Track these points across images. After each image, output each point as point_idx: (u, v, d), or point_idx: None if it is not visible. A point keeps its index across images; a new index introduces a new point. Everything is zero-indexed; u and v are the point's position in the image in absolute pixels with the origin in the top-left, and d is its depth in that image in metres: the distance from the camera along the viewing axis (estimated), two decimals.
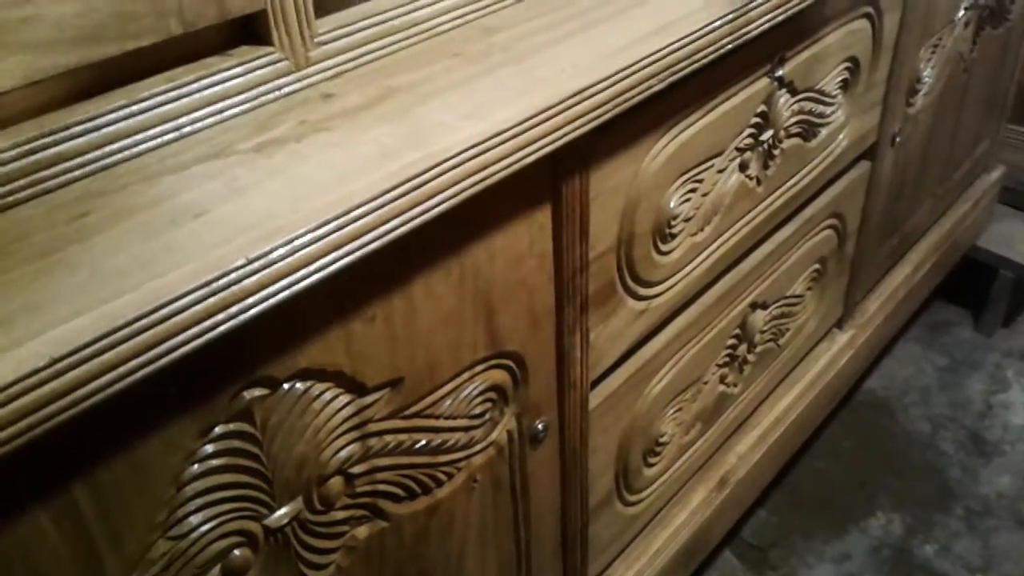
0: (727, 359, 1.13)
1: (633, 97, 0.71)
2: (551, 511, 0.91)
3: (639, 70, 0.70)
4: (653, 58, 0.71)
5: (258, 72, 0.63)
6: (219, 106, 0.62)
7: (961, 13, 1.35)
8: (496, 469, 0.80)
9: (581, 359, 0.84)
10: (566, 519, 0.93)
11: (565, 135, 0.66)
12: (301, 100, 0.65)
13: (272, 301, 0.50)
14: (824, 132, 1.10)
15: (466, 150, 0.59)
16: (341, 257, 0.53)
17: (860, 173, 1.25)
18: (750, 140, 0.97)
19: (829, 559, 1.50)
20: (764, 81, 0.95)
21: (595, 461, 0.93)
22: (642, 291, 0.89)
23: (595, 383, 0.89)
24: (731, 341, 1.12)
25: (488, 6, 0.78)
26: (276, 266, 0.50)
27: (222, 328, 0.49)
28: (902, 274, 1.57)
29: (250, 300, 0.49)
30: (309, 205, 0.53)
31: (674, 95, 0.80)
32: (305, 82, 0.67)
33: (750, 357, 1.18)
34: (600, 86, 0.67)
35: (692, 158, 0.88)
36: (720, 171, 0.94)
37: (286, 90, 0.66)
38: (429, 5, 0.74)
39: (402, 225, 0.56)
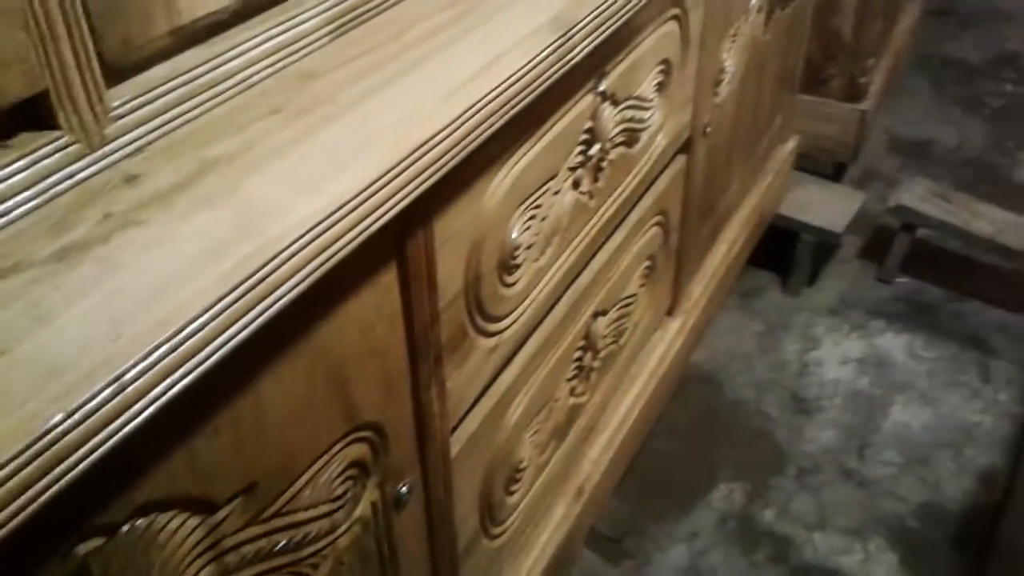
0: (575, 371, 1.12)
1: (476, 139, 0.66)
2: (421, 567, 0.86)
3: (479, 110, 0.66)
4: (491, 95, 0.67)
5: (45, 161, 0.54)
6: (2, 208, 0.52)
7: (755, 1, 1.39)
8: (363, 544, 0.75)
9: (439, 411, 0.79)
10: (436, 570, 0.89)
11: (410, 193, 0.61)
12: (101, 187, 0.57)
13: (101, 451, 0.43)
14: (645, 136, 1.10)
15: (306, 233, 0.53)
16: (177, 381, 0.46)
17: (678, 168, 1.27)
18: (580, 157, 0.95)
19: (680, 539, 1.54)
20: (589, 98, 0.93)
21: (461, 507, 0.89)
22: (492, 327, 0.86)
23: (454, 428, 0.85)
24: (577, 354, 1.11)
25: (301, 48, 0.71)
26: (101, 412, 0.43)
27: (45, 496, 0.41)
28: (720, 253, 1.62)
29: (74, 457, 0.42)
30: (132, 328, 0.46)
31: (509, 127, 0.76)
32: (103, 163, 0.58)
33: (595, 364, 1.17)
34: (442, 135, 0.63)
35: (529, 186, 0.85)
36: (555, 193, 0.92)
37: (81, 176, 0.57)
38: (237, 55, 0.66)
39: (243, 330, 0.50)
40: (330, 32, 0.73)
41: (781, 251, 2.04)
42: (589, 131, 0.95)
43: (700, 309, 1.53)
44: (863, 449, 1.70)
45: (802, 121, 2.01)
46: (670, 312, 1.45)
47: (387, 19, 0.77)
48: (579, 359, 1.12)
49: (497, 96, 0.68)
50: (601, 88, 0.94)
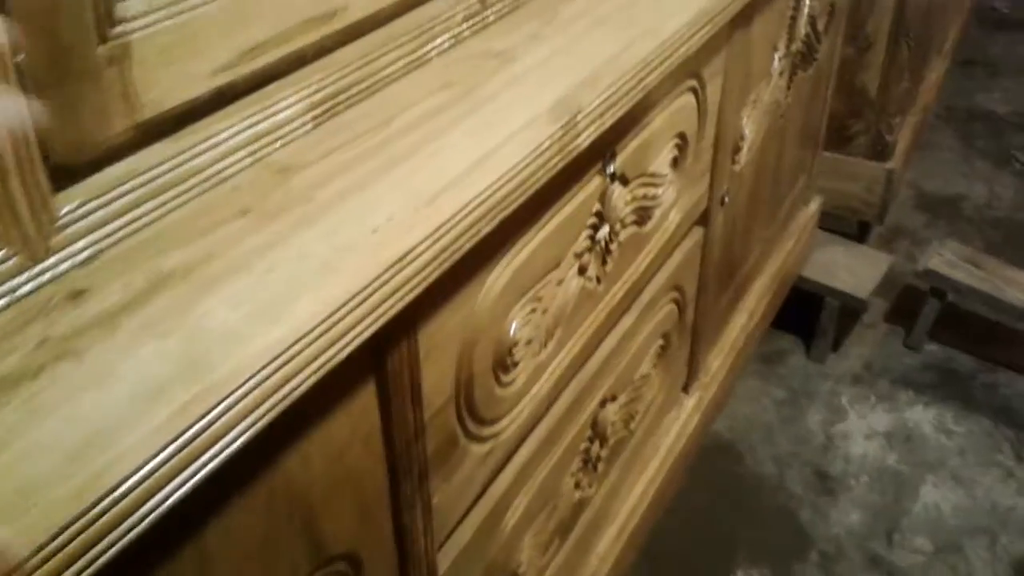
0: (582, 464, 1.04)
1: (462, 247, 0.60)
2: None
3: (467, 214, 0.60)
4: (482, 197, 0.61)
5: None
6: None
7: (776, 64, 1.33)
8: None
9: (424, 529, 0.73)
10: None
11: (387, 311, 0.55)
12: (43, 304, 0.51)
13: None
14: (658, 213, 1.04)
15: (262, 369, 0.47)
16: (93, 560, 0.40)
17: (694, 240, 1.20)
18: (587, 242, 0.89)
19: None
20: (597, 180, 0.87)
21: None
22: (486, 431, 0.79)
23: (442, 544, 0.78)
24: (584, 445, 1.03)
25: (280, 137, 0.65)
26: None
27: None
28: (739, 323, 1.55)
29: None
30: (47, 496, 0.39)
31: (505, 224, 0.70)
32: (48, 276, 0.52)
33: (603, 453, 1.10)
34: (425, 244, 0.56)
35: (529, 280, 0.79)
36: (560, 283, 0.85)
37: (21, 292, 0.51)
38: (208, 149, 0.61)
39: (181, 486, 0.43)
40: (313, 119, 0.68)
41: (805, 314, 1.96)
42: (597, 215, 0.89)
43: (718, 383, 1.46)
44: (891, 534, 1.60)
45: (826, 179, 1.94)
46: (686, 388, 1.38)
47: (376, 103, 0.72)
48: (586, 450, 1.04)
49: (488, 197, 0.61)
50: (610, 170, 0.87)
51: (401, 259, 0.55)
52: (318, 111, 0.68)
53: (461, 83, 0.75)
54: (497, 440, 0.81)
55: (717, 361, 1.46)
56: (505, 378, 0.80)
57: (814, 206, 1.86)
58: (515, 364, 0.81)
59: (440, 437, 0.72)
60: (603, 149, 0.85)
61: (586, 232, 0.88)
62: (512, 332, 0.78)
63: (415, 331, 0.64)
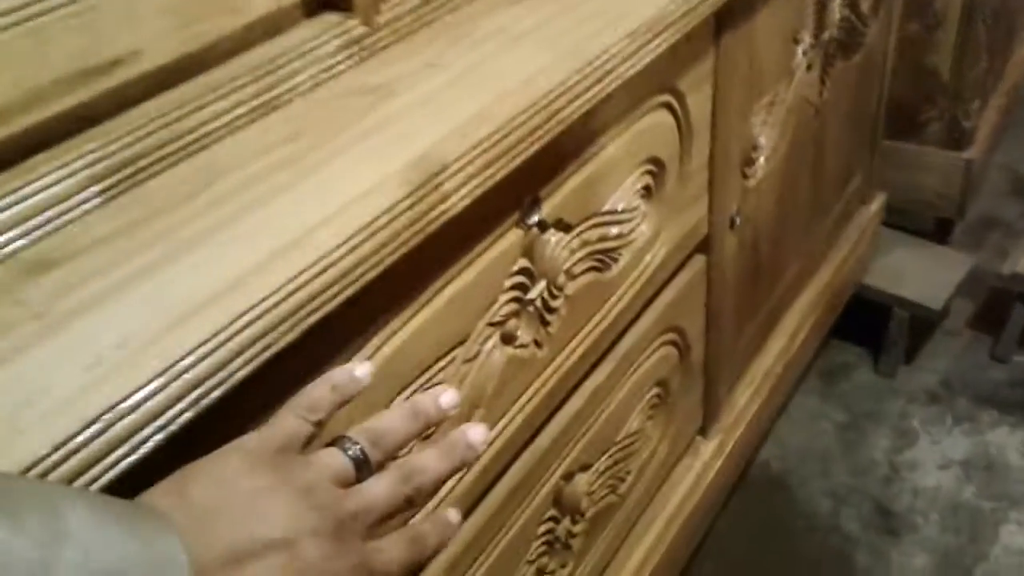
0: (544, 548, 0.90)
1: (222, 381, 0.45)
2: None
3: (231, 336, 0.46)
4: (263, 306, 0.47)
5: None
6: None
7: (800, 58, 1.13)
8: None
9: None
10: None
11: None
12: None
13: None
14: (627, 253, 0.87)
15: None
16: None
17: (694, 273, 1.03)
18: (513, 305, 0.73)
19: None
20: (515, 233, 0.71)
21: None
22: None
23: None
24: (544, 528, 0.89)
25: (52, 219, 0.53)
26: None
27: None
28: (776, 348, 1.36)
29: None
30: None
31: (343, 317, 0.56)
32: None
33: (577, 528, 0.95)
34: (153, 386, 0.43)
35: (412, 368, 0.64)
36: (469, 360, 0.70)
37: None
38: None
39: None
40: (101, 192, 0.55)
41: (871, 325, 1.74)
42: (523, 272, 0.73)
43: (748, 421, 1.28)
44: None
45: (896, 171, 1.71)
46: (703, 432, 1.21)
47: (200, 163, 0.58)
48: (548, 531, 0.89)
49: (277, 304, 0.47)
50: (533, 219, 0.72)
51: (114, 411, 0.41)
52: (108, 182, 0.55)
53: (312, 132, 0.61)
54: None
55: (745, 396, 1.28)
56: None
57: (876, 204, 1.63)
58: None
59: None
60: (518, 195, 0.70)
61: (508, 295, 0.72)
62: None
63: None
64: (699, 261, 1.04)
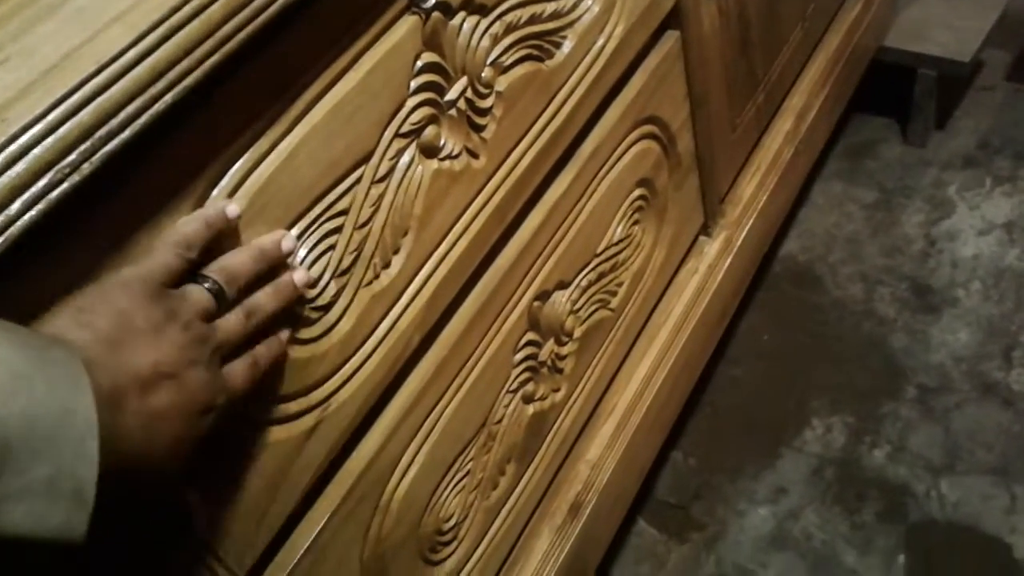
0: (527, 375, 0.82)
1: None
2: None
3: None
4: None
5: None
6: None
7: None
8: None
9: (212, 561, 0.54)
10: None
11: None
12: None
13: None
14: (572, 37, 0.75)
15: None
16: None
17: (666, 53, 0.90)
18: (427, 110, 0.63)
19: (763, 499, 1.24)
20: (410, 20, 0.60)
21: None
22: (295, 406, 0.58)
23: (265, 561, 0.59)
24: (523, 354, 0.81)
25: None
26: None
27: None
28: (783, 130, 1.23)
29: None
30: None
31: (173, 141, 0.46)
32: None
33: (565, 350, 0.87)
34: None
35: (300, 196, 0.55)
36: (380, 179, 0.61)
37: None
38: None
39: None
40: None
41: (896, 92, 1.59)
42: (433, 68, 0.62)
43: (758, 211, 1.17)
44: (1010, 352, 1.31)
45: None
46: (706, 230, 1.11)
47: None
48: (530, 357, 0.82)
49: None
50: (430, 1, 0.60)
51: None
52: None
53: None
54: (326, 408, 0.60)
55: (751, 186, 1.17)
56: (307, 332, 0.58)
57: None
58: (321, 309, 0.59)
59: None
60: None
61: (416, 99, 0.62)
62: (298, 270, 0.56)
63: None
64: (671, 38, 0.91)
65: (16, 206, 0.39)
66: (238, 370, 0.48)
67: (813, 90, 1.28)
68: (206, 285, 0.47)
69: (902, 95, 1.57)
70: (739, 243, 1.14)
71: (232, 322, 0.48)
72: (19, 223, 0.39)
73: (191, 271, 0.47)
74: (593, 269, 0.88)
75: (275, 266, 0.52)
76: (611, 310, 0.94)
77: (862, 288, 1.44)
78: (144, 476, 0.42)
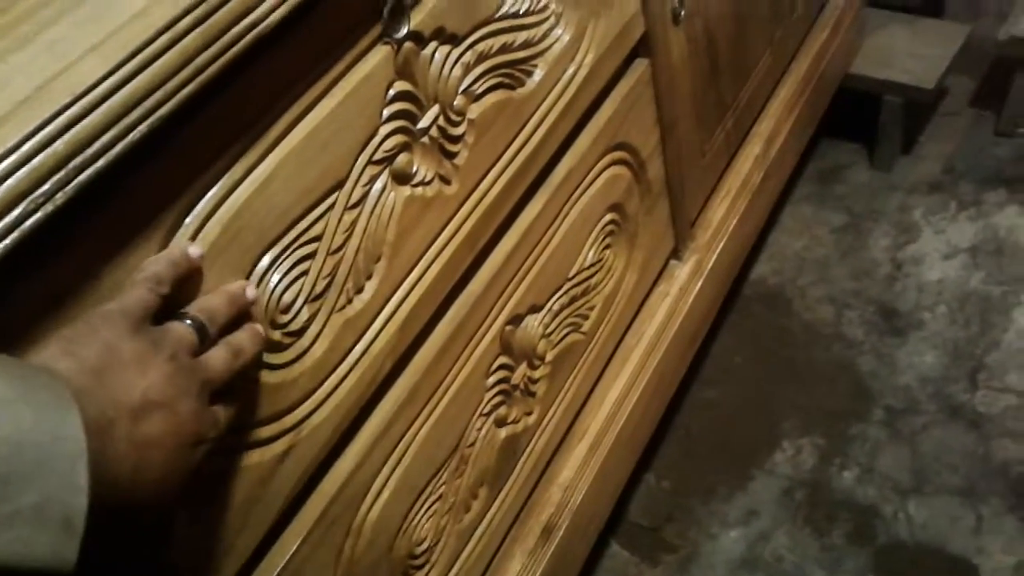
0: (500, 398, 0.83)
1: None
2: None
3: None
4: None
5: None
6: None
7: None
8: None
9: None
10: None
11: None
12: None
13: None
14: (542, 65, 0.76)
15: None
16: None
17: (635, 80, 0.92)
18: (400, 138, 0.64)
19: (734, 521, 1.25)
20: (382, 51, 0.61)
21: None
22: (264, 432, 0.58)
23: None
24: (496, 377, 0.82)
25: None
26: None
27: None
28: (752, 155, 1.25)
29: None
30: None
31: (146, 173, 0.47)
32: None
33: (538, 374, 0.88)
34: None
35: (275, 221, 0.56)
36: (354, 205, 0.61)
37: None
38: None
39: None
40: None
41: (863, 117, 1.62)
42: (405, 97, 0.63)
43: (728, 236, 1.19)
44: (975, 374, 1.33)
45: None
46: (676, 255, 1.12)
47: None
48: (502, 380, 0.83)
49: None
50: (401, 32, 0.61)
51: None
52: None
53: None
54: (299, 432, 0.61)
55: (721, 210, 1.18)
56: (280, 357, 0.58)
57: None
58: (293, 335, 0.59)
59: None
60: (372, 2, 0.59)
61: (389, 127, 0.62)
62: (271, 295, 0.56)
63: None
64: (641, 66, 0.93)
65: None
66: (223, 406, 0.49)
67: (782, 115, 1.30)
68: (187, 321, 0.48)
69: (869, 120, 1.60)
70: (710, 266, 1.15)
71: (219, 359, 0.49)
72: None
73: (171, 310, 0.48)
74: (565, 293, 0.89)
75: (242, 313, 0.53)
76: (583, 333, 0.95)
77: (831, 311, 1.46)
78: (134, 508, 0.41)
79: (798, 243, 1.57)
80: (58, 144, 0.40)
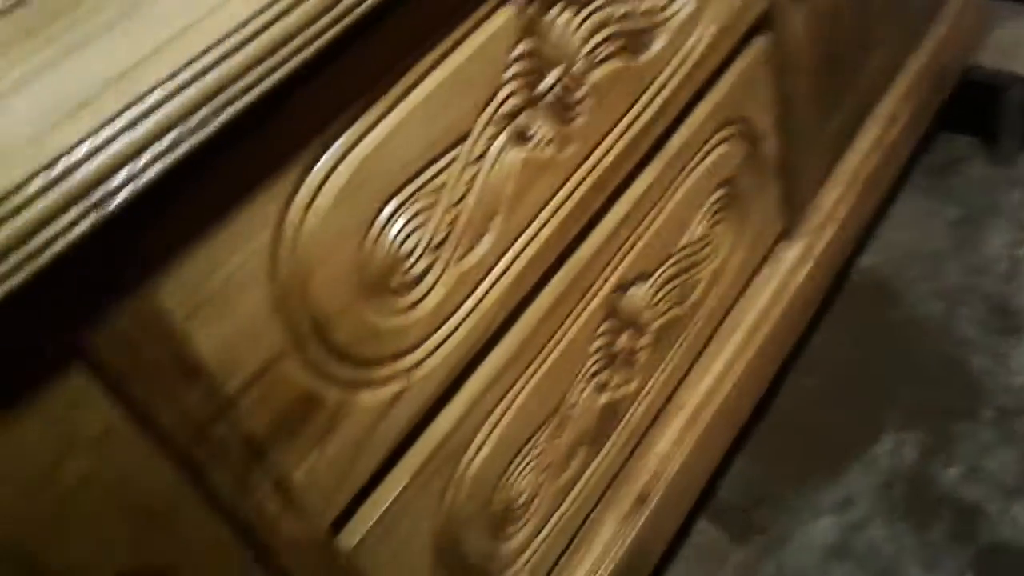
0: (602, 363, 0.84)
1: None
2: None
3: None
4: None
5: None
6: None
7: None
8: None
9: (289, 512, 0.57)
10: None
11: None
12: None
13: None
14: (663, 35, 0.77)
15: None
16: None
17: (755, 56, 0.91)
18: (520, 98, 0.65)
19: (828, 508, 1.23)
20: (506, 12, 0.62)
21: None
22: (383, 371, 0.61)
23: (342, 520, 0.62)
24: (600, 342, 0.83)
25: None
26: None
27: None
28: (869, 139, 1.23)
29: None
30: None
31: (298, 102, 0.50)
32: None
33: (641, 342, 0.89)
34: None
35: (399, 170, 0.58)
36: (475, 160, 0.63)
37: None
38: None
39: None
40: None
41: (984, 111, 1.56)
42: (529, 55, 0.65)
43: (840, 221, 1.17)
44: None
45: None
46: (788, 235, 1.11)
47: None
48: (606, 346, 0.84)
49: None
50: None
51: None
52: None
53: None
54: (411, 377, 0.63)
55: (834, 194, 1.17)
56: (400, 301, 0.61)
57: None
58: (417, 279, 0.61)
59: (280, 400, 0.54)
60: None
61: (511, 86, 0.64)
62: (391, 242, 0.59)
63: (146, 291, 0.46)
64: (761, 41, 0.92)
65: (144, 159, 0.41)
66: None
67: (900, 102, 1.27)
68: None
69: (989, 114, 1.55)
70: (819, 251, 1.14)
71: None
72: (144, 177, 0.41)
73: None
74: (673, 264, 0.90)
75: None
76: (687, 307, 0.95)
77: (942, 306, 1.42)
78: None
79: (910, 236, 1.53)
80: (208, 77, 0.43)
